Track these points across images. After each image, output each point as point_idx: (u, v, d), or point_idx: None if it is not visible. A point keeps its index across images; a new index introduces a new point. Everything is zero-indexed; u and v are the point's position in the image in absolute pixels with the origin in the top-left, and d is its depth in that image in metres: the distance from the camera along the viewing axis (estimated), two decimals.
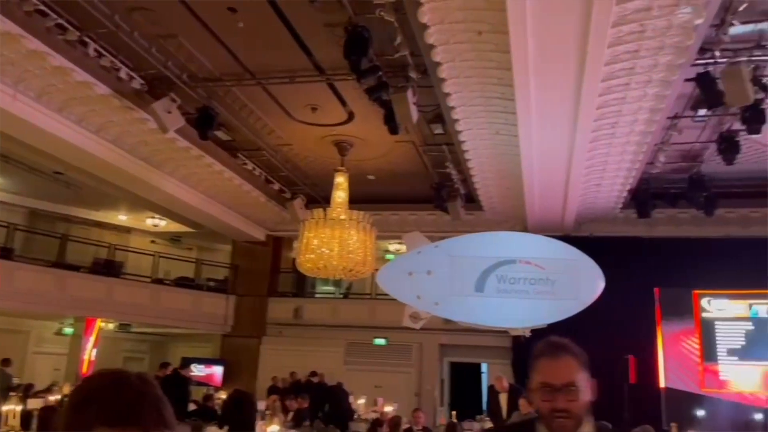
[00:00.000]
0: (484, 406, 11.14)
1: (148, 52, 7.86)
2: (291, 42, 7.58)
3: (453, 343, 13.21)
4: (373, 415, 10.32)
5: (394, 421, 6.98)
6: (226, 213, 13.23)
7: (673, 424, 9.55)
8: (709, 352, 11.42)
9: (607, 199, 10.79)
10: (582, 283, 8.00)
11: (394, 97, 7.43)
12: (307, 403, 10.01)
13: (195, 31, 7.50)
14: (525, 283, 7.79)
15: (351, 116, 9.62)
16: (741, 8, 6.02)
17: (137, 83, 8.26)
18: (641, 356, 10.70)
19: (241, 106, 9.56)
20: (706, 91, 6.88)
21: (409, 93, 7.42)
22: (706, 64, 6.87)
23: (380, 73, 7.21)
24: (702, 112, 8.17)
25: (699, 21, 5.72)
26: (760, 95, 7.24)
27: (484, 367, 13.69)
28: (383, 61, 7.23)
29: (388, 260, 16.20)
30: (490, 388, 9.65)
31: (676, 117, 8.55)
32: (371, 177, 12.13)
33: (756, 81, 7.00)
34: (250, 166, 11.41)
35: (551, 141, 8.23)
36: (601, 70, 6.47)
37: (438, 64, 6.85)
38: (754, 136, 8.22)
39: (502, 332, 11.50)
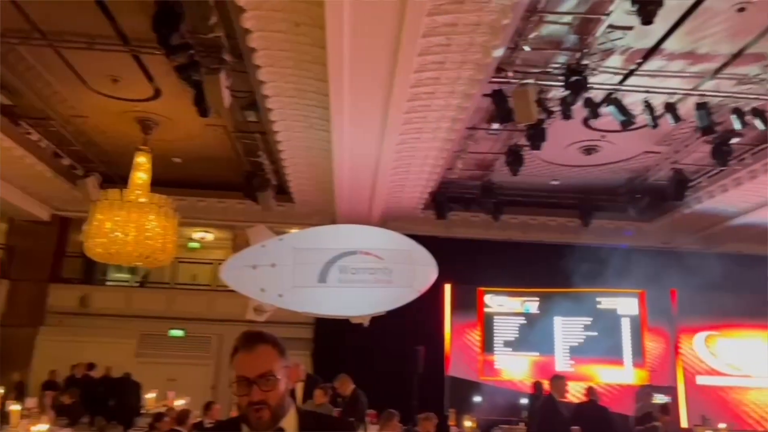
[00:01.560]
0: None
1: None
2: (92, 4, 6.90)
3: None
4: (162, 410, 9.79)
5: (181, 415, 6.69)
6: (1, 186, 11.66)
7: (451, 410, 10.41)
8: (488, 343, 12.64)
9: (411, 199, 11.40)
10: (417, 272, 8.60)
11: (206, 78, 7.11)
12: (75, 399, 9.22)
13: None
14: (365, 273, 8.20)
15: (158, 93, 9.03)
16: (531, 35, 6.72)
17: None
18: (431, 347, 11.51)
19: (28, 67, 8.49)
20: (499, 107, 7.57)
21: (222, 76, 7.15)
22: (501, 82, 7.56)
23: (192, 51, 6.85)
24: (495, 125, 8.96)
25: (496, 42, 6.27)
26: (543, 116, 8.18)
27: None
28: (197, 40, 6.88)
29: (192, 249, 15.54)
30: None
31: (473, 128, 9.30)
32: (177, 160, 11.52)
33: (540, 102, 7.87)
34: (35, 136, 10.17)
35: (362, 140, 8.47)
36: (411, 76, 6.80)
37: (253, 50, 6.69)
38: (535, 152, 9.23)
39: (303, 323, 11.64)
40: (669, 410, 8.41)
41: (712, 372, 12.60)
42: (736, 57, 7.31)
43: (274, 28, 6.34)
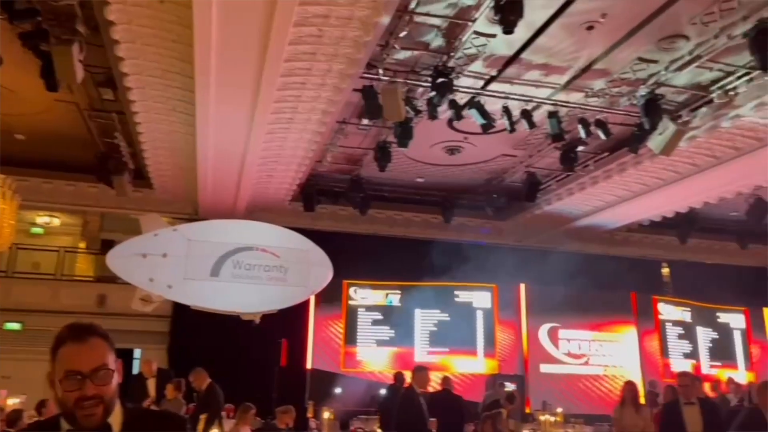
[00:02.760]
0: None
1: None
2: None
3: (105, 327, 12.16)
4: None
5: (12, 416, 6.11)
6: None
7: (310, 402, 10.44)
8: (350, 335, 12.81)
9: (278, 191, 11.24)
10: (312, 272, 8.59)
11: (55, 49, 6.49)
12: None
13: None
14: (260, 269, 8.08)
15: None
16: (402, 35, 6.87)
17: None
18: (294, 340, 11.45)
19: None
20: (369, 103, 7.67)
21: (75, 48, 6.57)
22: (372, 78, 7.66)
23: (40, 18, 6.25)
24: (365, 121, 9.07)
25: (368, 38, 6.34)
26: (411, 114, 8.40)
27: (137, 353, 12.97)
28: (46, 7, 6.28)
29: (35, 234, 14.23)
30: (139, 374, 9.18)
31: (344, 122, 9.35)
32: (20, 137, 10.48)
33: (408, 101, 8.08)
34: None
35: (228, 127, 8.22)
36: (281, 65, 6.70)
37: (111, 23, 6.24)
38: (402, 150, 9.47)
39: (160, 316, 11.09)
40: (514, 398, 9.03)
41: (555, 361, 13.68)
42: (584, 71, 7.95)
43: (136, 1, 5.95)
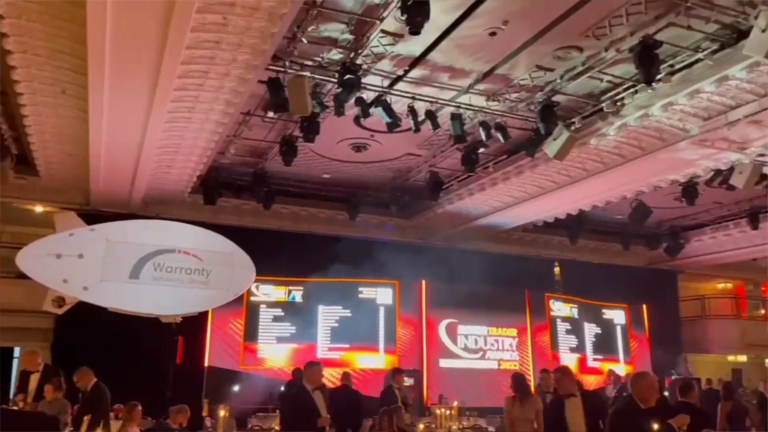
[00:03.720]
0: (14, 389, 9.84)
1: None
2: None
3: None
4: None
5: None
6: None
7: (205, 401, 10.16)
8: (251, 332, 12.57)
9: (177, 182, 10.82)
10: (236, 275, 8.55)
11: None
12: None
13: None
14: (181, 272, 8.06)
15: None
16: (309, 28, 6.82)
17: None
18: (192, 337, 11.07)
19: None
20: (274, 96, 7.55)
21: None
22: (278, 71, 7.54)
23: None
24: (271, 114, 8.91)
25: (275, 30, 6.23)
26: (317, 109, 8.35)
27: (17, 352, 12.09)
28: None
29: None
30: (23, 371, 8.56)
31: (248, 114, 9.15)
32: None
33: (315, 96, 8.03)
34: None
35: (125, 114, 7.81)
36: (183, 52, 6.44)
37: None
38: (309, 144, 9.40)
39: (44, 312, 10.39)
40: (408, 399, 9.25)
41: (452, 355, 14.08)
42: (486, 76, 8.23)
43: None
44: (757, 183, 10.17)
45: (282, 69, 7.53)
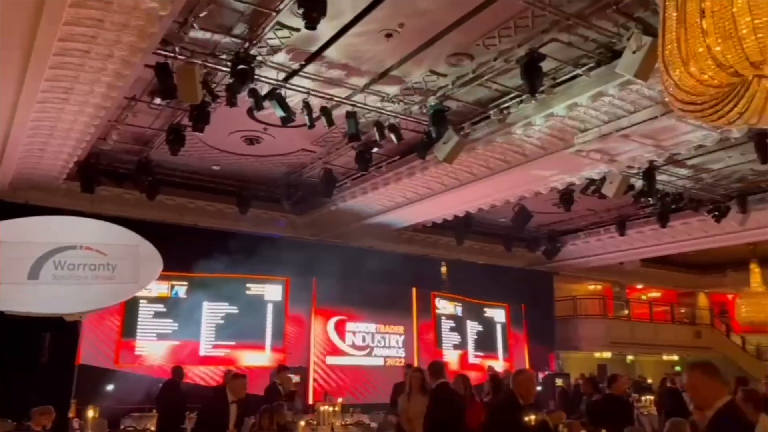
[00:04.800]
0: None
1: None
2: None
3: None
4: None
5: None
6: None
7: (73, 401, 9.55)
8: (129, 329, 11.94)
9: (51, 167, 10.06)
10: (142, 267, 8.42)
11: None
12: None
13: None
14: (85, 268, 7.85)
15: None
16: (202, 14, 6.58)
17: None
18: (62, 334, 10.33)
19: None
20: (162, 82, 7.22)
21: None
22: (167, 56, 7.22)
23: None
24: (158, 100, 8.52)
25: (164, 13, 5.96)
26: (208, 99, 8.08)
27: None
28: None
29: None
30: None
31: (133, 99, 8.68)
32: None
33: (206, 85, 7.76)
34: None
35: None
36: (60, 28, 6.01)
37: None
38: (198, 134, 9.08)
39: None
40: (294, 396, 9.20)
41: (340, 352, 14.14)
42: (381, 76, 8.32)
43: None
44: (625, 192, 11.06)
45: (171, 54, 7.22)
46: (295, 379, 11.24)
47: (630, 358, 21.58)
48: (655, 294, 23.99)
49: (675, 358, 22.15)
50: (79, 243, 7.94)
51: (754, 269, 16.46)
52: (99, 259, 8.05)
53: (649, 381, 17.06)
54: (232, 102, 7.81)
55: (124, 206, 12.03)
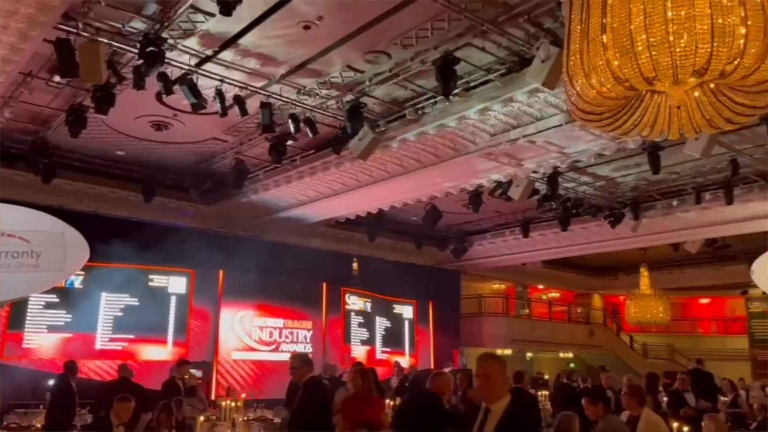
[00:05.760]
0: None
1: None
2: None
3: None
4: None
5: None
6: None
7: None
8: (17, 320, 11.11)
9: None
10: (69, 255, 8.14)
11: None
12: None
13: None
14: (7, 256, 7.62)
15: None
16: None
17: None
18: None
19: None
20: (63, 60, 6.80)
21: None
22: (69, 32, 6.80)
23: None
24: (57, 78, 8.01)
25: None
26: (114, 80, 7.69)
27: None
28: None
29: None
30: None
31: (30, 75, 8.12)
32: None
33: (111, 65, 7.38)
34: None
35: None
36: None
37: None
38: (102, 117, 8.61)
39: None
40: (195, 391, 8.95)
41: (247, 348, 13.88)
42: (298, 68, 8.23)
43: None
44: (530, 196, 11.53)
45: (74, 30, 6.81)
46: (198, 373, 10.93)
47: (529, 355, 22.52)
48: (554, 294, 25.19)
49: (570, 355, 23.36)
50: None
51: (644, 273, 17.61)
52: (22, 246, 7.83)
53: (546, 377, 17.89)
54: (139, 85, 7.47)
55: (16, 188, 11.16)
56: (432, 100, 8.63)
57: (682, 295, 22.64)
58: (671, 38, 2.72)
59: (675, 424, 5.43)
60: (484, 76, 8.03)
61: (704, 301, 25.91)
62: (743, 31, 2.69)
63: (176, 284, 13.08)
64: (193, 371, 9.91)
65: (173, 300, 12.97)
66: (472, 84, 8.17)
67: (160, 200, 12.61)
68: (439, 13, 6.90)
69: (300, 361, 6.17)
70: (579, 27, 3.08)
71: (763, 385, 13.56)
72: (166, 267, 12.66)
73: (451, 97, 7.96)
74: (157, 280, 12.87)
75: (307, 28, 7.20)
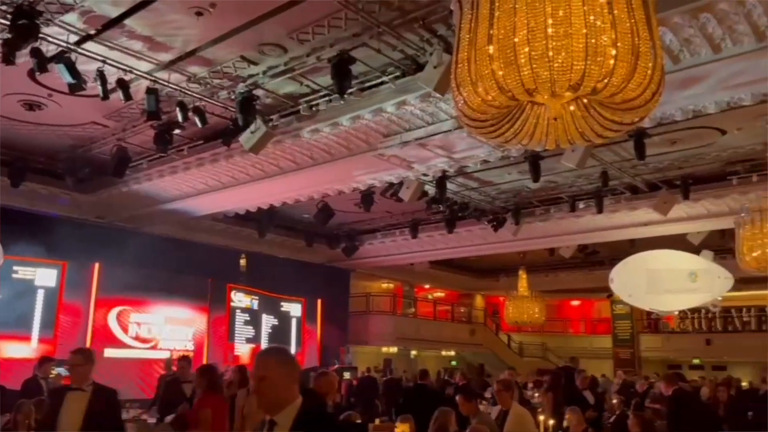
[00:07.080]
0: None
1: None
2: None
3: None
4: None
5: None
6: None
7: None
8: None
9: None
10: None
11: None
12: None
13: None
14: None
15: None
16: None
17: None
18: None
19: None
20: None
21: None
22: None
23: None
24: None
25: None
26: None
27: None
28: None
29: None
30: None
31: None
32: None
33: None
34: None
35: None
36: None
37: None
38: None
39: None
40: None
41: (122, 345, 13.16)
42: (189, 55, 7.91)
43: None
44: (420, 198, 11.81)
45: None
46: (63, 372, 10.21)
47: (414, 352, 23.09)
48: (439, 294, 25.99)
49: (452, 353, 24.20)
50: None
51: (522, 275, 18.55)
52: None
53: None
54: (8, 60, 6.86)
55: None
56: (327, 98, 8.60)
57: (555, 297, 24.10)
58: (551, 53, 2.88)
59: (541, 418, 5.76)
60: (379, 78, 8.11)
61: (575, 303, 27.78)
62: (613, 52, 2.90)
63: (45, 277, 12.19)
64: (60, 370, 9.25)
65: (41, 293, 12.07)
66: (367, 85, 8.22)
67: (30, 186, 11.66)
68: (336, 11, 6.89)
69: (83, 358, 5.28)
70: (468, 36, 3.19)
71: (623, 381, 14.71)
72: (34, 258, 11.74)
73: (345, 96, 7.97)
74: (23, 273, 11.93)
75: (199, 14, 6.93)
